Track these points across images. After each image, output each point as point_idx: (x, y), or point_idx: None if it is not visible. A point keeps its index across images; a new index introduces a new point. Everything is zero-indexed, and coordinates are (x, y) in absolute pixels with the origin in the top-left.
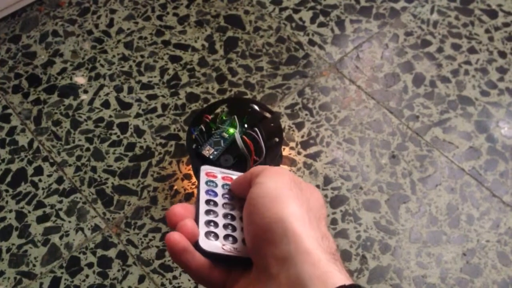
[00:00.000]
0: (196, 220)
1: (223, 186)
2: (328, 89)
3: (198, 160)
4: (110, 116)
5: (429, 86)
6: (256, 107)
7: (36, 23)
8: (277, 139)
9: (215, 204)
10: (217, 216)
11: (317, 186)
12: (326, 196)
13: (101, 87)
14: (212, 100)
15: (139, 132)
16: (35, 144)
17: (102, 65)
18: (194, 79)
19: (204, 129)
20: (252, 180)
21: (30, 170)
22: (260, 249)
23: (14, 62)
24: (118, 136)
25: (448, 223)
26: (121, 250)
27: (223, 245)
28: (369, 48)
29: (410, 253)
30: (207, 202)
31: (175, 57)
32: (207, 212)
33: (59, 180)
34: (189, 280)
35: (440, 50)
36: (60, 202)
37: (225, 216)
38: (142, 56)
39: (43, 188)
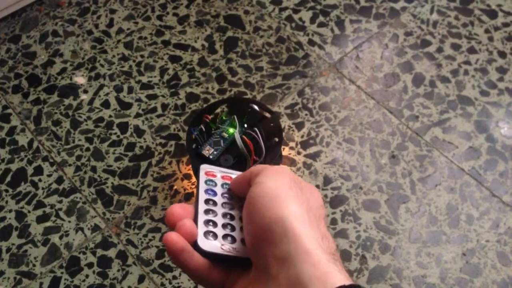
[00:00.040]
0: (195, 219)
1: (222, 185)
2: (328, 89)
3: (198, 160)
4: (110, 116)
5: (429, 86)
6: (256, 107)
7: (36, 23)
8: (277, 139)
9: (214, 203)
10: (216, 215)
11: (317, 186)
12: (326, 196)
13: (101, 87)
14: (212, 100)
15: (139, 132)
16: (35, 144)
17: (102, 65)
18: (194, 79)
19: (204, 129)
20: (252, 179)
21: (30, 170)
22: (260, 249)
23: (14, 62)
24: (118, 136)
25: (447, 223)
26: (121, 250)
27: (222, 245)
28: (369, 48)
29: (409, 253)
30: (206, 201)
31: (175, 57)
32: (206, 211)
33: (59, 180)
34: (189, 280)
35: (439, 50)
36: (60, 202)
37: (224, 215)
38: (142, 56)
39: (43, 188)
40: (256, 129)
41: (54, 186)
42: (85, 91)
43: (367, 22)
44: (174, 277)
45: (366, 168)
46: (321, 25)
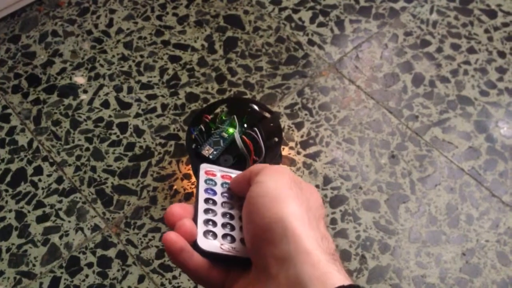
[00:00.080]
0: (195, 218)
1: (222, 184)
2: (328, 89)
3: (198, 160)
4: (110, 116)
5: (429, 86)
6: (255, 107)
7: (35, 23)
8: (276, 139)
9: (214, 202)
10: (215, 215)
11: (317, 186)
12: (325, 196)
13: (101, 87)
14: (212, 100)
15: (138, 132)
16: (35, 144)
17: (101, 65)
18: (194, 79)
19: (203, 129)
20: (252, 178)
21: (29, 170)
22: (260, 249)
23: (14, 62)
24: (117, 136)
25: (447, 223)
26: (120, 250)
27: (222, 244)
28: (369, 48)
29: (409, 253)
30: (206, 200)
31: (174, 57)
32: (206, 210)
33: (59, 180)
34: (189, 280)
35: (439, 50)
36: (60, 202)
37: (224, 215)
38: (141, 56)
39: (42, 188)
40: (255, 129)
41: (54, 186)
42: (85, 91)
43: (367, 22)
44: (174, 277)
45: (366, 168)
46: (321, 25)
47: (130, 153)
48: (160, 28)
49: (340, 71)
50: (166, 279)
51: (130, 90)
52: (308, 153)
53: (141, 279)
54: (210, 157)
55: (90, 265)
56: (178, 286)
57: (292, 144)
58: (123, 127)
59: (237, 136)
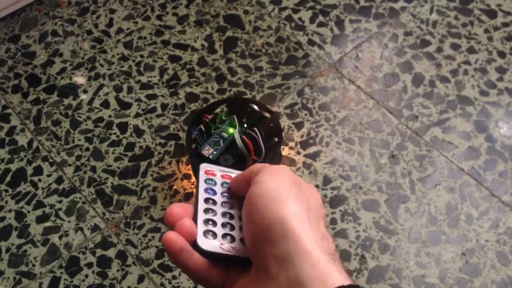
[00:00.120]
0: (195, 218)
1: (222, 184)
2: (328, 89)
3: (198, 160)
4: (110, 116)
5: (429, 86)
6: (255, 107)
7: (35, 23)
8: (276, 139)
9: (214, 202)
10: (215, 214)
11: (317, 186)
12: (325, 196)
13: (101, 87)
14: (212, 100)
15: (138, 132)
16: (35, 144)
17: (101, 65)
18: (194, 79)
19: (203, 129)
20: (252, 178)
21: (29, 170)
22: (259, 249)
23: (14, 62)
24: (117, 136)
25: (447, 223)
26: (120, 250)
27: (221, 244)
28: (369, 48)
29: (409, 253)
30: (206, 200)
31: (174, 57)
32: (206, 210)
33: (59, 180)
34: (188, 280)
35: (439, 50)
36: (60, 202)
37: (223, 214)
38: (141, 56)
39: (42, 188)
40: (255, 129)
41: (54, 186)
42: (85, 91)
43: (367, 22)
44: (174, 277)
45: (366, 168)
46: (321, 25)
47: (130, 153)
48: (160, 28)
49: (340, 71)
50: (166, 279)
51: (130, 90)
52: (308, 153)
53: (140, 279)
54: (210, 157)
55: (89, 265)
56: (178, 286)
57: (292, 144)
58: (123, 127)
59: (237, 136)
